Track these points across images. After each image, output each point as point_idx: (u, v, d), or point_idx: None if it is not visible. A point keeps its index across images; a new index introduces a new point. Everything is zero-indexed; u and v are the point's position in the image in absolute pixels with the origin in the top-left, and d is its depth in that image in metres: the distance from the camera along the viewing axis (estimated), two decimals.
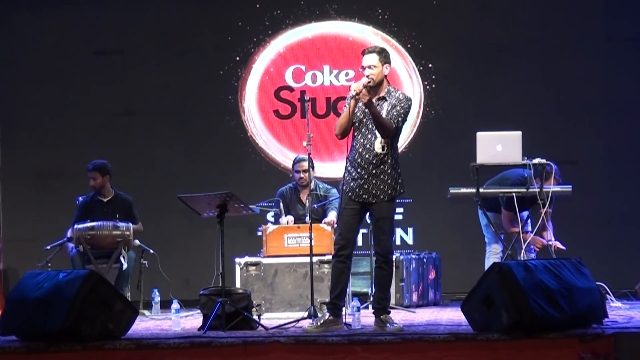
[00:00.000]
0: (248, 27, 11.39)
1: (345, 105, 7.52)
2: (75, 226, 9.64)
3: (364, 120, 7.47)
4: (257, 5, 11.39)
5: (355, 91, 7.32)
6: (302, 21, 11.41)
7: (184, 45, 11.47)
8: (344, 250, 7.55)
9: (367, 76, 7.40)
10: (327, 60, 11.42)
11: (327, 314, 7.56)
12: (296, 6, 11.40)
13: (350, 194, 7.51)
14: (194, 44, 11.48)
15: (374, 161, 7.44)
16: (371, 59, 7.45)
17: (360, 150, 7.47)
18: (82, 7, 11.49)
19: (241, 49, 11.43)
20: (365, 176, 7.45)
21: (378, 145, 7.43)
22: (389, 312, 7.64)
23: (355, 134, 7.51)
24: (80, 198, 10.12)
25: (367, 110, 7.41)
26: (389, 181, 7.46)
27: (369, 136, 7.45)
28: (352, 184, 7.51)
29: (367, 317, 8.74)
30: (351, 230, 7.58)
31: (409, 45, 11.31)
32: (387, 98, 7.49)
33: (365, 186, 7.47)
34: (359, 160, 7.46)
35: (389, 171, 7.46)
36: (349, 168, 7.54)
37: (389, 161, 7.46)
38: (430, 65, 11.33)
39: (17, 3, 11.51)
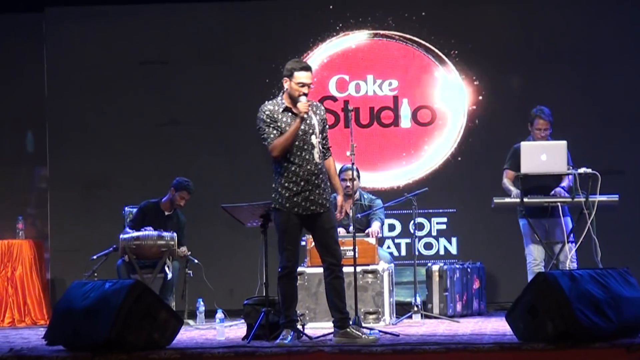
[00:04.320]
0: (291, 37, 11.42)
1: (287, 126, 7.42)
2: (121, 236, 9.73)
3: (301, 134, 7.44)
4: (300, 15, 11.44)
5: (306, 111, 7.42)
6: (345, 31, 11.42)
7: (227, 55, 11.53)
8: (294, 267, 7.48)
9: (305, 94, 7.45)
10: (371, 69, 11.41)
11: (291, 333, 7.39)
12: (340, 16, 11.41)
13: (296, 209, 7.40)
14: (237, 54, 11.53)
15: (315, 171, 7.43)
16: (310, 77, 7.50)
17: (300, 163, 7.41)
18: (127, 18, 11.60)
19: (284, 59, 11.42)
20: (310, 188, 7.40)
21: (317, 156, 7.47)
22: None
23: (294, 149, 7.45)
24: (126, 208, 10.21)
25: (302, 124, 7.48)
26: (327, 190, 7.51)
27: (309, 148, 7.44)
28: (295, 199, 7.40)
29: (411, 327, 8.74)
30: (298, 246, 7.54)
31: (454, 57, 11.28)
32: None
33: (312, 197, 7.41)
34: (301, 173, 7.40)
35: (325, 180, 7.52)
36: (286, 184, 7.41)
37: (324, 170, 7.52)
38: (475, 76, 11.30)
39: (64, 15, 11.61)
